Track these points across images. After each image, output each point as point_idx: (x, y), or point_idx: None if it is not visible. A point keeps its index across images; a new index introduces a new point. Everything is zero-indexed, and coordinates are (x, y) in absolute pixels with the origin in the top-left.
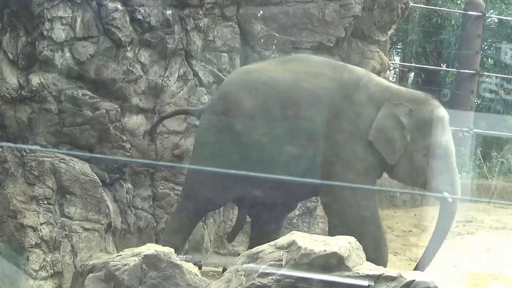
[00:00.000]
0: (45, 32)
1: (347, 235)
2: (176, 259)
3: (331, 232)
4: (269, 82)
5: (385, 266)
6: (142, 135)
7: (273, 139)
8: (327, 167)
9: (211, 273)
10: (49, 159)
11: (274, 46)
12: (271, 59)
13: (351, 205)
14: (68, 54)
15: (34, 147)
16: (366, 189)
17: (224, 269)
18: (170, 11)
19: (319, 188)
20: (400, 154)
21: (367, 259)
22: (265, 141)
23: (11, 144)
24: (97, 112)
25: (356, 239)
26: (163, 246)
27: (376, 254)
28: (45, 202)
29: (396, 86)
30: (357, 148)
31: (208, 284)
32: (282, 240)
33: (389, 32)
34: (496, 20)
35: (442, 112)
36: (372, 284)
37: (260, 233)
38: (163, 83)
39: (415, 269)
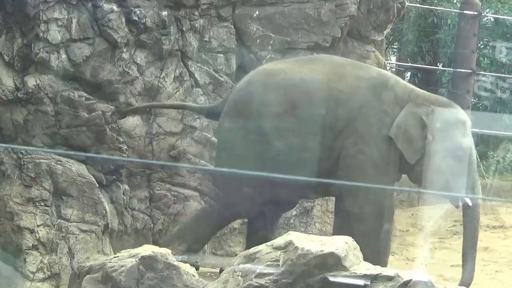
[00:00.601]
0: (40, 34)
1: (360, 232)
2: (173, 260)
3: (348, 227)
4: (298, 83)
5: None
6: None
7: (305, 139)
8: (352, 163)
9: (208, 274)
10: (46, 160)
11: (270, 47)
12: (289, 60)
13: (373, 202)
14: (64, 56)
15: (31, 148)
16: (387, 188)
17: (221, 270)
18: (166, 12)
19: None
20: (420, 153)
21: (372, 258)
22: (296, 142)
23: (9, 145)
24: (93, 113)
25: (354, 239)
26: (186, 249)
27: (381, 255)
28: (42, 204)
29: (421, 90)
30: (382, 146)
31: (205, 285)
32: (279, 241)
33: (385, 32)
34: (492, 19)
35: (465, 116)
36: (369, 283)
37: (257, 233)
38: (159, 84)
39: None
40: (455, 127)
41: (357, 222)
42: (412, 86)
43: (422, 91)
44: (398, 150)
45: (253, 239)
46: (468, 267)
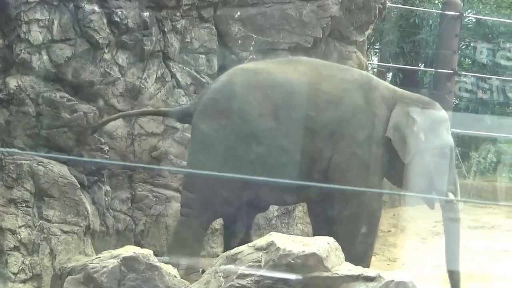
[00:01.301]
0: (22, 35)
1: (350, 235)
2: (155, 260)
3: (337, 230)
4: (284, 83)
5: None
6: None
7: (292, 141)
8: (345, 167)
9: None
10: (27, 162)
11: (251, 47)
12: (267, 60)
13: (366, 205)
14: (45, 57)
15: (12, 150)
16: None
17: (203, 271)
18: (147, 13)
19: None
20: (413, 153)
21: (358, 259)
22: (284, 143)
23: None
24: (75, 114)
25: (335, 239)
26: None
27: (367, 256)
28: (24, 205)
29: (401, 89)
30: (374, 148)
31: (187, 286)
32: (261, 241)
33: (367, 32)
34: (474, 20)
35: (446, 113)
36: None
37: (233, 233)
38: (141, 85)
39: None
40: (441, 125)
41: (347, 225)
42: (392, 86)
43: (402, 90)
44: (388, 151)
45: (230, 240)
46: (455, 265)
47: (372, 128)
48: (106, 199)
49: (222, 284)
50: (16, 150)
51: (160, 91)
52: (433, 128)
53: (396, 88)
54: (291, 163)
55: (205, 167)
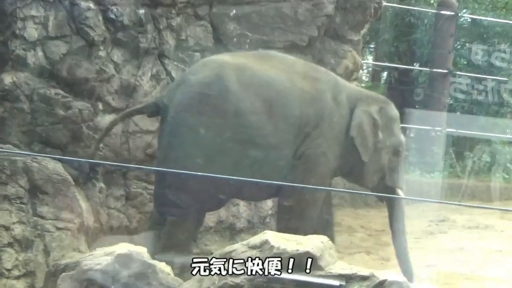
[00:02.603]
0: (17, 31)
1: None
2: (149, 258)
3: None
4: (270, 82)
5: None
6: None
7: (282, 139)
8: (313, 162)
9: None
10: (22, 158)
11: (247, 46)
12: (240, 54)
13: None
14: (40, 53)
15: (5, 150)
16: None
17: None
18: (143, 10)
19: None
20: (372, 152)
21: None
22: (275, 142)
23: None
24: (70, 111)
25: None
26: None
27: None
28: (18, 202)
29: (359, 88)
30: (337, 148)
31: (181, 283)
32: (255, 239)
33: (362, 32)
34: (469, 20)
35: (397, 112)
36: (344, 283)
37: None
38: (136, 82)
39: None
40: (397, 124)
41: (301, 219)
42: (353, 85)
43: (360, 89)
44: (350, 151)
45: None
46: (404, 259)
47: (340, 130)
48: (100, 196)
49: (216, 282)
50: (9, 150)
51: (155, 89)
52: (389, 127)
53: (356, 87)
54: (283, 162)
55: (191, 163)
